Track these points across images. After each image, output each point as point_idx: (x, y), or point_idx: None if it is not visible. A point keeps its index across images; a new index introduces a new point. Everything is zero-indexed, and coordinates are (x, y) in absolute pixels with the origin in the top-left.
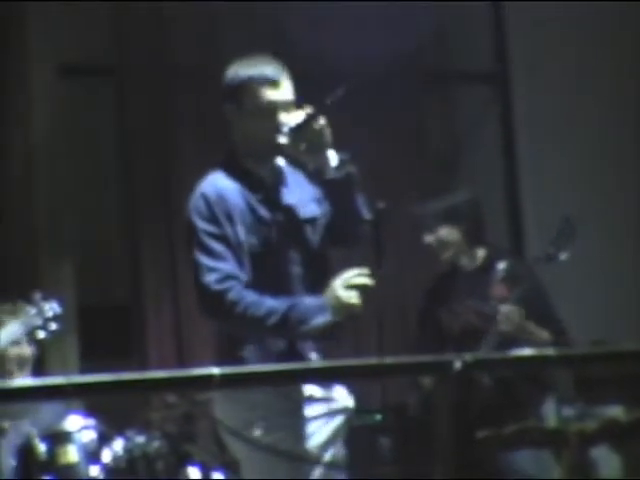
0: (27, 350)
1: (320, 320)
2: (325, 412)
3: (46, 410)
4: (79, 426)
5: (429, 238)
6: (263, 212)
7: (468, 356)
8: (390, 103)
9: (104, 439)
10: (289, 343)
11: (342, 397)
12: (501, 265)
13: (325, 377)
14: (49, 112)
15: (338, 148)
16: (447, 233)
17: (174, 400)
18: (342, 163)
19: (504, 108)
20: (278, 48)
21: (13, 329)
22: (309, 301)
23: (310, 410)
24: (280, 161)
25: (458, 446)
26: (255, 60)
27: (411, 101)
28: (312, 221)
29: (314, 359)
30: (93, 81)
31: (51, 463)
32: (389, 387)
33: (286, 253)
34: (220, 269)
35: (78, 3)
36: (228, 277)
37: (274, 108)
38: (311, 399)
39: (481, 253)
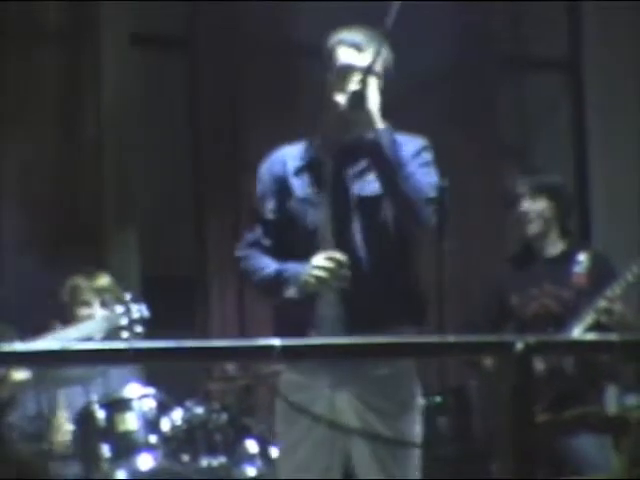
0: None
1: (290, 292)
2: None
3: (106, 377)
4: (139, 394)
5: (524, 206)
6: (296, 183)
7: (530, 338)
8: (464, 88)
9: (163, 408)
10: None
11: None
12: (582, 256)
13: (388, 354)
14: (121, 81)
15: (414, 131)
16: (543, 206)
17: (234, 372)
18: (384, 130)
19: (577, 95)
20: (355, 20)
21: (97, 325)
22: (290, 270)
23: None
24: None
25: (517, 428)
26: (349, 28)
27: (485, 86)
28: (370, 199)
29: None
30: (165, 50)
31: (110, 430)
32: (449, 369)
33: (313, 225)
34: (245, 238)
35: None
36: (248, 245)
37: (346, 69)
38: None
39: (562, 241)
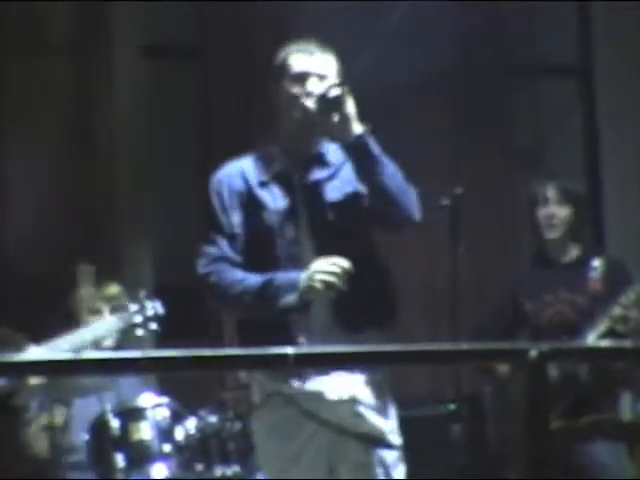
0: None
1: (290, 299)
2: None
3: (120, 386)
4: (153, 403)
5: (550, 210)
6: (264, 195)
7: (545, 345)
8: (475, 95)
9: (177, 417)
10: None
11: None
12: (596, 262)
13: (399, 361)
14: (132, 93)
15: (423, 136)
16: (568, 212)
17: (248, 381)
18: (366, 132)
19: (588, 102)
20: (362, 29)
21: (111, 324)
22: (282, 278)
23: None
24: (326, 142)
25: (532, 435)
26: (298, 41)
27: (496, 93)
28: (340, 203)
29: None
30: (175, 62)
31: (123, 439)
32: (463, 377)
33: (291, 235)
34: (208, 253)
35: None
36: (213, 260)
37: (305, 76)
38: None
39: (576, 247)
